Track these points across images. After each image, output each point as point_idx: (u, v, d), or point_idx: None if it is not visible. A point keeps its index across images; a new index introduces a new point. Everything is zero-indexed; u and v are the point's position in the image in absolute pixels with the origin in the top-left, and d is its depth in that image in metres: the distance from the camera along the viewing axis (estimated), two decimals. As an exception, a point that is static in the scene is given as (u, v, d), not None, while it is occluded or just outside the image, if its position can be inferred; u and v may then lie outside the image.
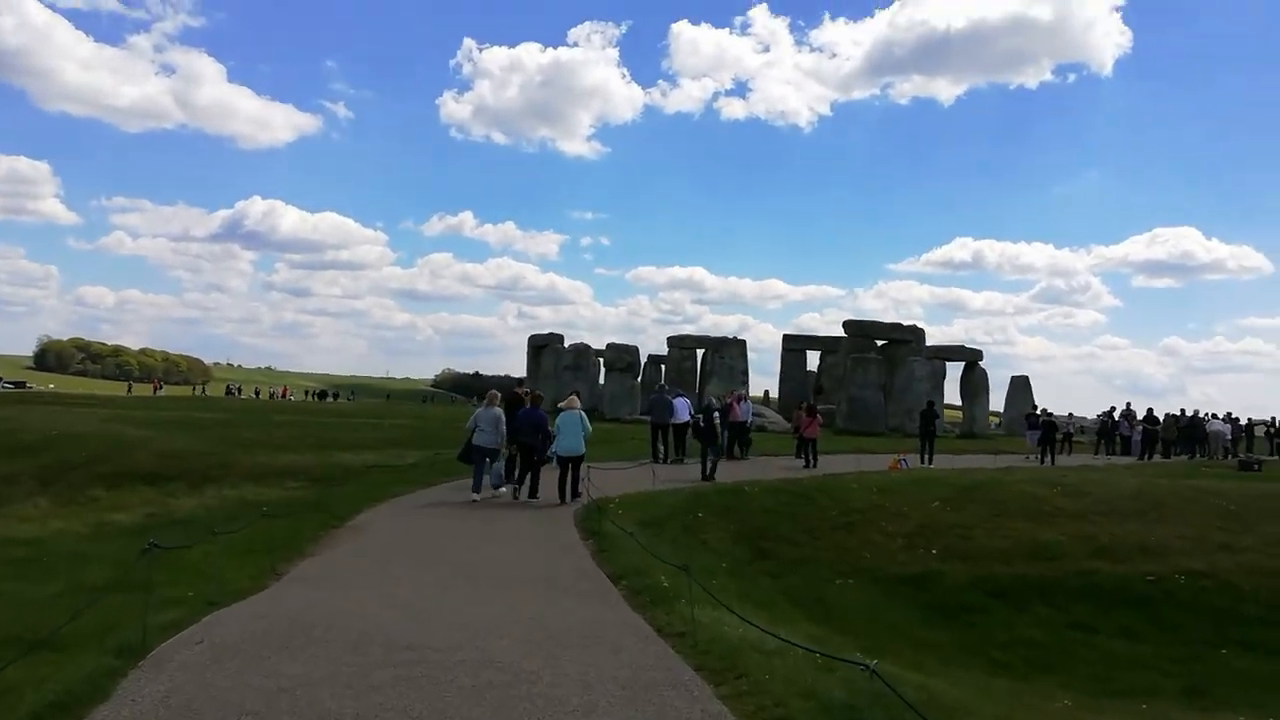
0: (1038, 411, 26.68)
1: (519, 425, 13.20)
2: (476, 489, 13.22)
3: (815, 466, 20.77)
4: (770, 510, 11.83)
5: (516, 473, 13.72)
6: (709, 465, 16.80)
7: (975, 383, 40.14)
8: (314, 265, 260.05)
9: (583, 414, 13.35)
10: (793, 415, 24.41)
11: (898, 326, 42.96)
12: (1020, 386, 45.24)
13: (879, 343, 43.00)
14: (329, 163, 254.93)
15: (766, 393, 63.02)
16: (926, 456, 22.66)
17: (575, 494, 12.91)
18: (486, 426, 13.19)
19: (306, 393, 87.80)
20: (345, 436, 24.42)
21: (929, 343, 44.83)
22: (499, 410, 13.38)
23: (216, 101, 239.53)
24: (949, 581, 9.73)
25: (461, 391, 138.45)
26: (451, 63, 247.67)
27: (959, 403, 44.06)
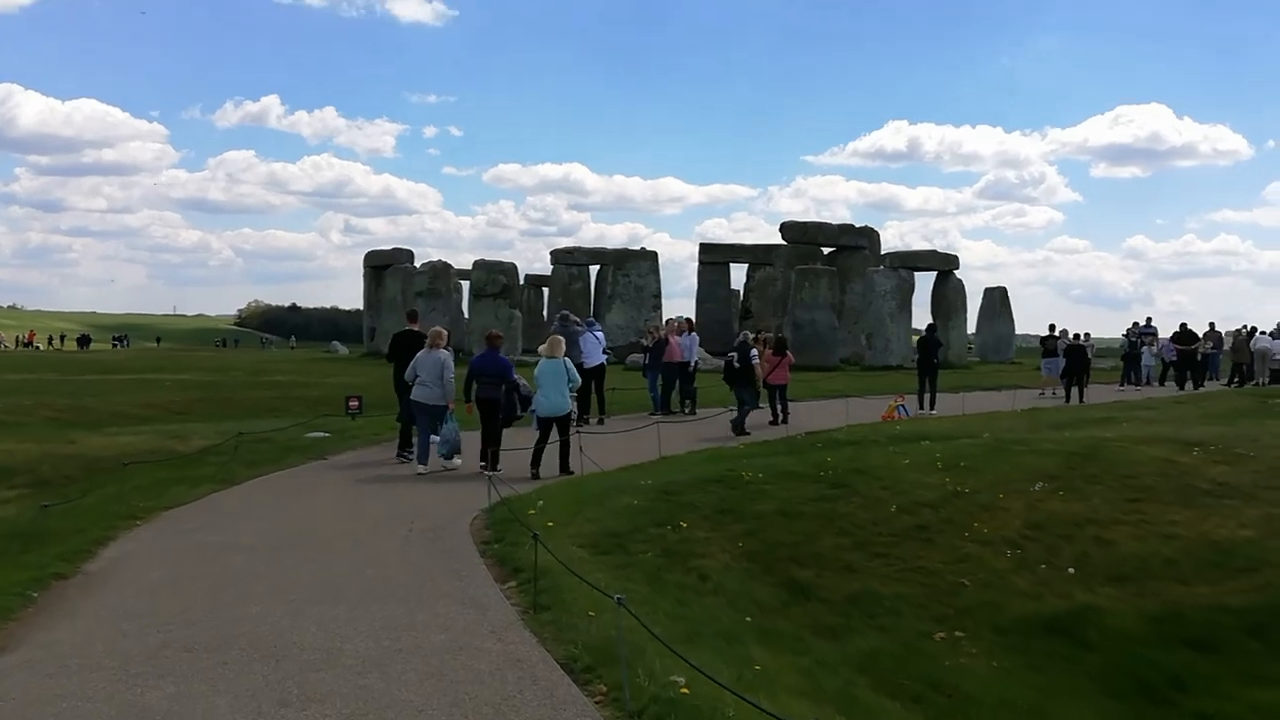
0: (1056, 334, 24.90)
1: (475, 374, 12.50)
2: (422, 459, 12.57)
3: (787, 422, 18.35)
4: (792, 511, 9.06)
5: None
6: (741, 418, 16.87)
7: (950, 298, 38.63)
8: (68, 170, 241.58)
9: (567, 361, 12.55)
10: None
11: (849, 229, 41.04)
12: (997, 302, 44.30)
13: (825, 250, 41.01)
14: (83, 32, 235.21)
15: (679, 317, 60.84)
16: (928, 398, 20.54)
17: (566, 467, 12.29)
18: (428, 376, 12.48)
19: (58, 338, 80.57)
20: (101, 405, 20.50)
21: (884, 248, 43.18)
22: (445, 354, 12.68)
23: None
24: (1115, 624, 7.23)
25: (275, 329, 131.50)
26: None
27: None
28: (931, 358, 20.47)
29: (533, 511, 9.32)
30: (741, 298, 48.11)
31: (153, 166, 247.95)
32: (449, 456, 12.62)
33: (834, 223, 41.26)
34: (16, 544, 8.87)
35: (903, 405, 19.45)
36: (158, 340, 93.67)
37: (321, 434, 15.37)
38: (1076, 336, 23.85)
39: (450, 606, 7.01)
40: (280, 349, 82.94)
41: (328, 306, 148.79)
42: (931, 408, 20.36)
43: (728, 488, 9.70)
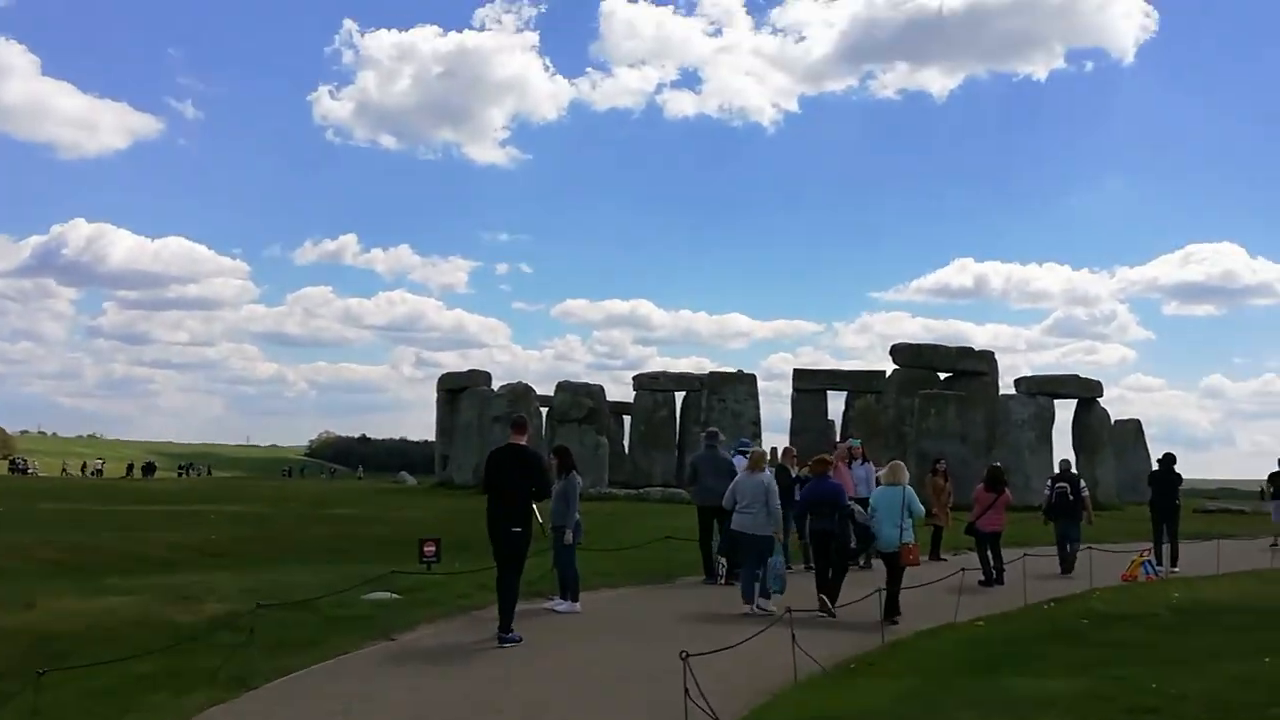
0: (1291, 469, 19.66)
1: (809, 504, 11.38)
2: (748, 595, 10.93)
3: (1002, 581, 13.43)
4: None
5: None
6: (1068, 559, 14.76)
7: (1095, 429, 33.37)
8: (153, 304, 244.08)
9: (908, 490, 10.91)
10: (926, 485, 16.86)
11: (967, 352, 36.17)
12: (1131, 435, 38.93)
13: (940, 375, 36.15)
14: (172, 175, 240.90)
15: (775, 450, 55.84)
16: (1168, 550, 15.41)
17: (893, 613, 10.39)
18: (751, 503, 11.02)
19: (129, 467, 77.42)
20: (119, 545, 16.09)
21: (1012, 371, 38.18)
22: (768, 476, 11.28)
23: (28, 99, 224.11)
24: None
25: (344, 460, 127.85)
26: (328, 50, 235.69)
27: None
28: (1172, 498, 15.32)
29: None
30: (840, 428, 43.26)
31: (234, 302, 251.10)
32: (774, 592, 11.02)
33: (950, 345, 36.46)
34: None
35: (1149, 561, 14.37)
36: (184, 469, 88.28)
37: (385, 594, 10.70)
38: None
39: None
40: (347, 479, 78.97)
41: (397, 438, 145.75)
42: (1173, 564, 15.20)
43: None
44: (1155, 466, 15.75)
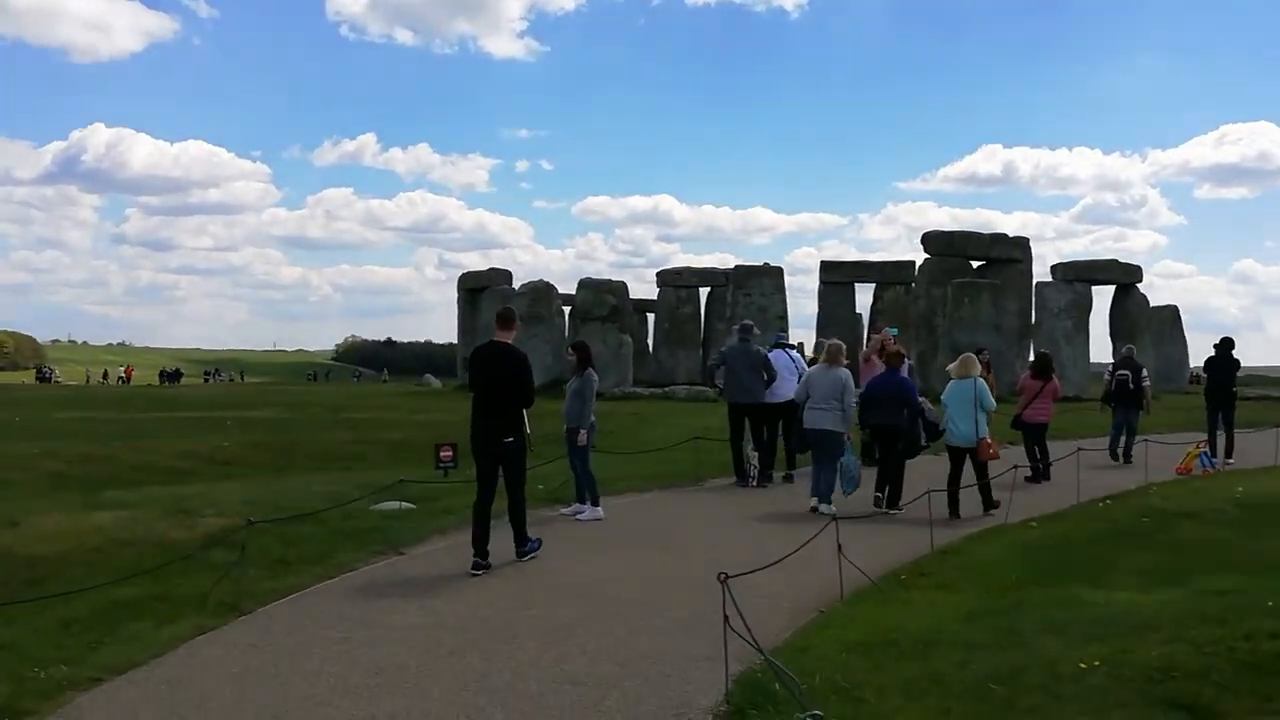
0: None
1: (872, 399, 10.57)
2: (824, 495, 10.21)
3: (1049, 477, 12.62)
4: None
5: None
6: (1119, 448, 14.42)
7: (1133, 316, 32.18)
8: (176, 210, 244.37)
9: (980, 382, 10.40)
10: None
11: (1001, 238, 34.82)
12: (1167, 322, 37.70)
13: (974, 264, 34.90)
14: (190, 77, 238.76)
15: (801, 345, 54.75)
16: (1223, 440, 14.53)
17: (988, 506, 10.26)
18: (823, 400, 10.33)
19: (161, 374, 77.69)
20: (128, 455, 15.51)
21: (1040, 260, 36.82)
22: (844, 373, 10.44)
23: (40, 2, 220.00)
24: None
25: (370, 364, 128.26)
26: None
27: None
28: (1229, 384, 14.38)
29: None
30: (868, 321, 42.22)
31: (256, 205, 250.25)
32: (849, 491, 10.35)
33: (983, 232, 35.09)
34: None
35: (1205, 453, 13.51)
36: (208, 373, 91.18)
37: (397, 504, 9.99)
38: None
39: None
40: (372, 383, 78.98)
41: (421, 340, 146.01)
42: (1229, 455, 14.35)
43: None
44: (1211, 352, 14.70)
